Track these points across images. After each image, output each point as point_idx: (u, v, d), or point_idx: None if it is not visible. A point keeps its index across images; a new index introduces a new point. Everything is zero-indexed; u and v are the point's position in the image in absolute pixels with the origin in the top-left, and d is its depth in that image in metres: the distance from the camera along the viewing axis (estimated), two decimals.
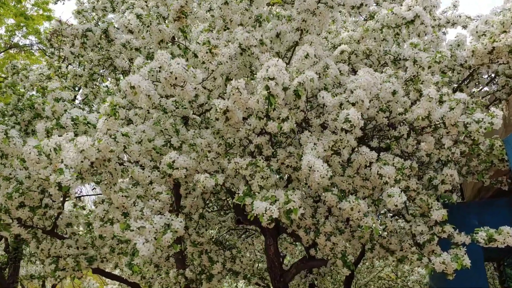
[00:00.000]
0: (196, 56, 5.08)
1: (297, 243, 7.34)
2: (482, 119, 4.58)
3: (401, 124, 5.26)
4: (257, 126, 4.60)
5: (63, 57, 9.48)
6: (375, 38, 5.76)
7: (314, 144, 4.35)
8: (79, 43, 6.31)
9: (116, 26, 6.26)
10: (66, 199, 6.56)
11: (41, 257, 6.20)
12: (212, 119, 5.04)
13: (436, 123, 4.65)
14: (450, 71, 6.11)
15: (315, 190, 4.98)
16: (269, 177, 4.59)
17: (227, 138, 4.79)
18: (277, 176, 4.65)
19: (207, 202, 7.51)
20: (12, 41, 12.26)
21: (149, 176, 4.67)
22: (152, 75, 4.27)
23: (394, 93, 4.74)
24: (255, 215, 4.14)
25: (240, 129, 4.67)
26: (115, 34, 6.13)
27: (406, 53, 5.02)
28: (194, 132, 5.12)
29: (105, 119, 4.16)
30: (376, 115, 5.24)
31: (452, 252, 4.84)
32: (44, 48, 12.22)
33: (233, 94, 4.15)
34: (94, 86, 7.31)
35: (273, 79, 4.06)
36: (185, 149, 5.18)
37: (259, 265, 10.73)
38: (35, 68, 7.16)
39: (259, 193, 4.42)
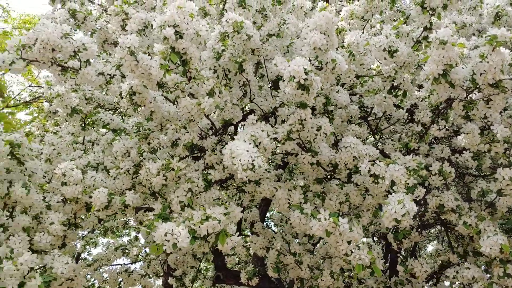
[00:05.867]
0: None
1: None
2: None
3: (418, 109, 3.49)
4: (190, 116, 3.14)
5: None
6: None
7: (254, 130, 2.74)
8: None
9: None
10: None
11: None
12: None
13: (464, 86, 2.83)
14: None
15: (282, 210, 3.23)
16: (203, 191, 3.02)
17: (151, 140, 3.31)
18: (217, 191, 3.05)
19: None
20: None
21: (44, 200, 3.29)
22: None
23: (391, 52, 3.05)
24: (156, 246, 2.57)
25: (163, 123, 3.23)
26: None
27: None
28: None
29: None
30: (384, 101, 3.55)
31: None
32: None
33: (125, 60, 2.78)
34: None
35: (175, 26, 2.66)
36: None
37: None
38: None
39: (180, 214, 2.84)
